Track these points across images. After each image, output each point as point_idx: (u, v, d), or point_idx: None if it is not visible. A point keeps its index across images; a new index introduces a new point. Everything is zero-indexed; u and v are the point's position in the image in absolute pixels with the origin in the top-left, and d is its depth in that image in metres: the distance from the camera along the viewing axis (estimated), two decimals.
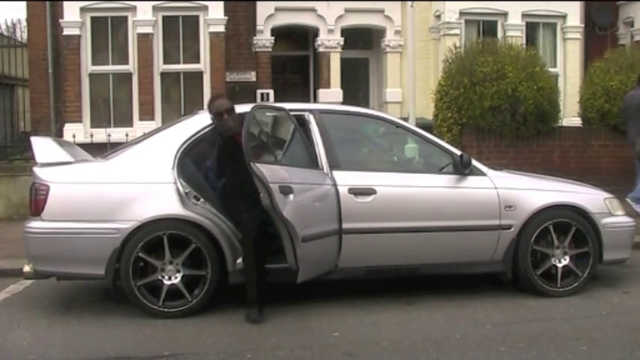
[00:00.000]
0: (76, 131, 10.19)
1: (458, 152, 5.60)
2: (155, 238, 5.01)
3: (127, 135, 9.45)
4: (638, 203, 8.28)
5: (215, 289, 5.10)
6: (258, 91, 11.86)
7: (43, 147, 5.27)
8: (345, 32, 12.55)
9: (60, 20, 10.76)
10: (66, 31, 10.69)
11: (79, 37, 10.70)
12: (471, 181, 5.51)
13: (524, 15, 12.25)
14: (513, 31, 12.00)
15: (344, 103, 11.02)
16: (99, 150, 6.33)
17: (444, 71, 10.24)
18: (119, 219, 4.98)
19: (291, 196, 4.73)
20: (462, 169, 5.47)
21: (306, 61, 13.74)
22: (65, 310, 5.35)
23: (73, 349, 4.48)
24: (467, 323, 4.86)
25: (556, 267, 5.55)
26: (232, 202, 5.15)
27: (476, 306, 5.27)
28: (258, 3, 12.12)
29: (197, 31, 11.08)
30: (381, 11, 12.60)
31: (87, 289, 5.86)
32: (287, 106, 5.41)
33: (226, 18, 11.05)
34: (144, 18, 10.78)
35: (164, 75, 11.02)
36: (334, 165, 5.26)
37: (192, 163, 5.34)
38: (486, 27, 12.27)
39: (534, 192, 5.59)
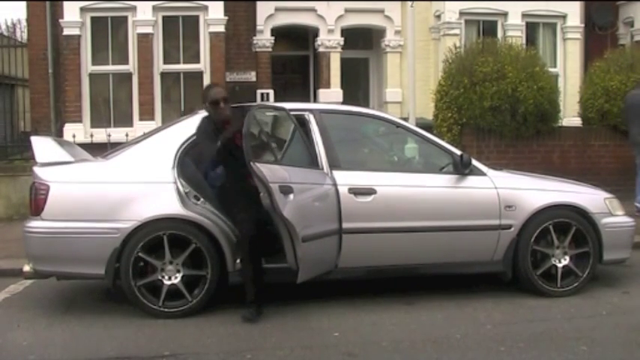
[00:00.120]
0: (76, 131, 10.19)
1: (458, 152, 5.60)
2: (155, 238, 5.01)
3: (127, 135, 9.45)
4: None
5: (215, 289, 5.10)
6: (258, 91, 11.85)
7: (43, 147, 5.28)
8: (345, 32, 12.55)
9: (60, 20, 10.76)
10: (66, 31, 10.69)
11: (79, 37, 10.71)
12: (471, 180, 5.51)
13: (524, 15, 12.25)
14: (513, 31, 12.00)
15: (344, 103, 11.01)
16: (99, 150, 6.33)
17: (444, 71, 10.24)
18: (119, 219, 4.98)
19: (291, 196, 4.73)
20: (462, 168, 5.48)
21: (306, 61, 13.74)
22: (65, 310, 5.35)
23: (73, 349, 4.48)
24: (467, 323, 4.86)
25: (556, 267, 5.55)
26: (229, 202, 5.13)
27: (476, 306, 5.27)
28: (258, 3, 12.12)
29: (197, 31, 11.08)
30: (381, 11, 12.59)
31: (87, 289, 5.86)
32: (287, 105, 5.40)
33: (226, 18, 11.06)
34: (144, 18, 10.79)
35: (164, 75, 11.03)
36: (334, 165, 5.26)
37: (192, 162, 5.34)
38: (486, 27, 12.27)
39: (534, 192, 5.60)
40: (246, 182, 4.86)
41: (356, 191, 5.21)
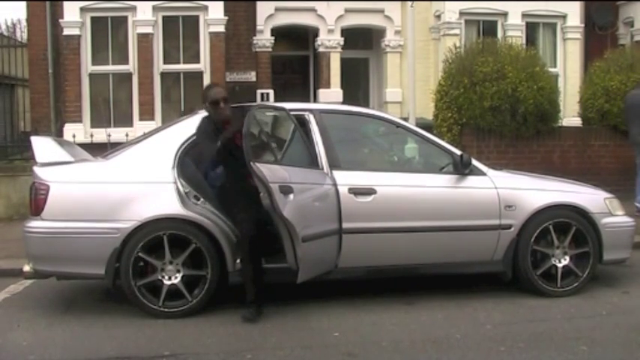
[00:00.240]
0: (76, 131, 10.19)
1: (458, 152, 5.60)
2: (155, 238, 5.01)
3: (127, 135, 9.44)
4: None
5: (215, 289, 5.10)
6: (258, 91, 11.85)
7: (43, 146, 5.28)
8: (345, 32, 12.55)
9: (60, 20, 10.76)
10: (66, 31, 10.69)
11: (79, 37, 10.71)
12: (471, 180, 5.51)
13: (524, 15, 12.24)
14: (513, 31, 12.00)
15: (344, 103, 10.99)
16: (99, 150, 6.32)
17: (444, 71, 10.24)
18: (119, 219, 4.98)
19: (291, 196, 4.73)
20: (462, 168, 5.48)
21: (306, 61, 13.74)
22: (65, 310, 5.35)
23: (73, 349, 4.47)
24: (467, 323, 4.86)
25: (556, 267, 5.55)
26: (229, 202, 5.13)
27: (476, 306, 5.27)
28: (258, 3, 12.11)
29: (197, 31, 11.08)
30: (381, 11, 12.59)
31: (87, 289, 5.86)
32: (287, 105, 5.40)
33: (226, 18, 11.06)
34: (144, 18, 10.78)
35: (164, 75, 11.02)
36: (334, 165, 5.26)
37: (192, 162, 5.34)
38: (486, 27, 12.27)
39: (534, 192, 5.60)
40: (246, 182, 4.86)
41: (356, 191, 5.21)
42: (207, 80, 10.88)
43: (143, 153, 5.34)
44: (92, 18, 10.81)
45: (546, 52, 12.32)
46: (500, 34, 12.12)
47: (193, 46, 11.14)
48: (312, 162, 5.24)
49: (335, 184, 5.16)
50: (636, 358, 4.25)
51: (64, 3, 10.65)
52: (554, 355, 4.19)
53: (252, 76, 11.92)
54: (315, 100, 12.55)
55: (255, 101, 11.04)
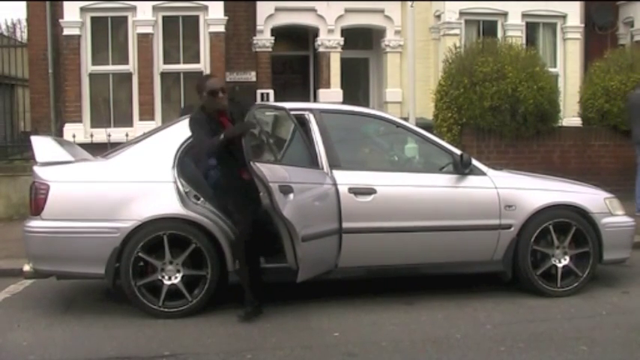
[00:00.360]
0: (76, 131, 10.19)
1: (458, 152, 5.60)
2: (155, 238, 5.01)
3: (127, 135, 9.44)
4: None
5: (215, 289, 5.10)
6: (258, 91, 11.86)
7: (43, 146, 5.28)
8: (345, 32, 12.54)
9: (60, 20, 10.76)
10: (66, 31, 10.69)
11: (79, 37, 10.71)
12: (471, 180, 5.51)
13: (524, 15, 12.25)
14: (513, 31, 12.00)
15: (344, 103, 11.00)
16: (99, 150, 6.32)
17: (444, 71, 10.24)
18: (119, 218, 4.98)
19: (291, 196, 4.73)
20: (462, 168, 5.47)
21: (306, 61, 13.73)
22: (65, 310, 5.35)
23: (73, 349, 4.47)
24: (467, 323, 4.85)
25: (556, 267, 5.55)
26: (225, 200, 5.10)
27: (476, 306, 5.27)
28: (258, 3, 12.11)
29: (197, 31, 11.08)
30: (381, 11, 12.59)
31: (87, 289, 5.85)
32: (287, 105, 5.40)
33: (226, 18, 11.06)
34: (144, 18, 10.79)
35: (164, 75, 11.03)
36: (334, 164, 5.26)
37: (192, 162, 5.34)
38: (486, 27, 12.27)
39: (534, 192, 5.59)
40: (242, 180, 4.85)
41: (356, 191, 5.20)
42: None
43: (143, 152, 5.34)
44: (92, 18, 10.82)
45: (546, 52, 12.33)
46: (500, 34, 12.12)
47: (193, 46, 11.14)
48: (312, 162, 5.24)
49: (335, 184, 5.16)
50: (636, 358, 4.25)
51: (64, 3, 10.66)
52: (554, 355, 4.19)
53: (252, 76, 11.92)
54: (315, 100, 12.54)
55: (255, 101, 11.03)
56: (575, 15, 12.45)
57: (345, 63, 12.66)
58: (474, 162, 5.57)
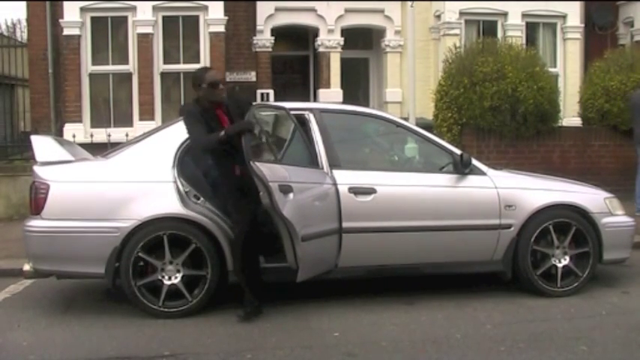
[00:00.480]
0: (76, 131, 10.19)
1: (458, 152, 5.60)
2: (155, 238, 5.01)
3: (127, 135, 9.44)
4: None
5: (215, 289, 5.09)
6: (258, 91, 11.86)
7: (43, 146, 5.28)
8: (345, 32, 12.55)
9: (60, 20, 10.77)
10: (66, 31, 10.70)
11: (79, 37, 10.72)
12: (471, 180, 5.51)
13: (524, 15, 12.25)
14: (513, 31, 12.00)
15: (344, 103, 10.99)
16: (99, 150, 6.32)
17: (444, 71, 10.24)
18: (119, 218, 4.98)
19: (291, 195, 4.73)
20: (462, 168, 5.47)
21: (306, 61, 13.74)
22: (65, 310, 5.35)
23: (73, 349, 4.47)
24: (467, 323, 4.85)
25: (556, 267, 5.54)
26: (223, 198, 5.09)
27: (476, 306, 5.26)
28: (258, 3, 12.12)
29: (197, 31, 11.09)
30: (381, 11, 12.60)
31: (87, 289, 5.85)
32: (287, 105, 5.40)
33: (226, 18, 11.06)
34: (144, 18, 10.79)
35: (164, 75, 11.03)
36: (334, 164, 5.26)
37: (192, 162, 5.34)
38: (486, 27, 12.27)
39: (534, 191, 5.59)
40: (237, 177, 4.84)
41: (356, 190, 5.20)
42: None
43: (143, 152, 5.34)
44: (92, 18, 10.82)
45: (546, 52, 12.33)
46: (500, 34, 12.12)
47: (193, 46, 11.14)
48: (312, 161, 5.24)
49: (335, 184, 5.16)
50: (636, 358, 4.25)
51: (64, 3, 10.67)
52: (554, 355, 4.19)
53: (252, 76, 11.92)
54: (315, 100, 12.54)
55: (255, 101, 11.02)
56: (575, 15, 12.45)
57: (345, 63, 12.66)
58: (474, 162, 5.57)
